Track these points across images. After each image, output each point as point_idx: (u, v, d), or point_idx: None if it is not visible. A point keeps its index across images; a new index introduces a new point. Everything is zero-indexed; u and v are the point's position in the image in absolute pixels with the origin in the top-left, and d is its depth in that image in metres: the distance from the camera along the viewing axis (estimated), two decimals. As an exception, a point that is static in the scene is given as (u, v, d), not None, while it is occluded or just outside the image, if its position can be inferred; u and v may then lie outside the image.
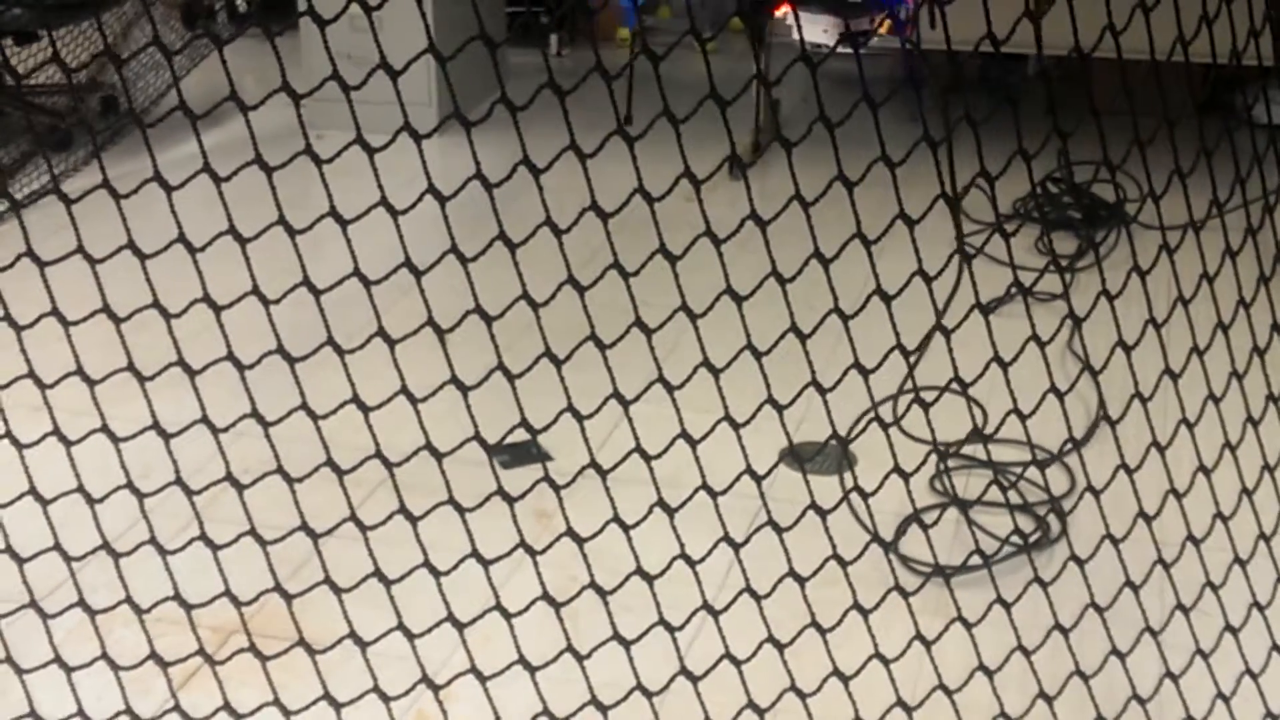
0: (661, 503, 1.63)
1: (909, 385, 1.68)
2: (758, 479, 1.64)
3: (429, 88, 4.67)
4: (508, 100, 1.37)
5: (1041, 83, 3.12)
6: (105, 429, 1.54)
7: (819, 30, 4.59)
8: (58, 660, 1.69)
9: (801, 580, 1.70)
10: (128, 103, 4.37)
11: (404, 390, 1.51)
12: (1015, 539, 2.46)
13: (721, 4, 5.66)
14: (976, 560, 2.26)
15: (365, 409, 1.52)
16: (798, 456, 2.38)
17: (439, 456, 1.54)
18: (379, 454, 1.54)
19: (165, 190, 1.38)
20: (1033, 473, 2.69)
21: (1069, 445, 2.64)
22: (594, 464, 1.59)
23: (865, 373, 1.61)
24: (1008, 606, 1.78)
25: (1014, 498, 2.66)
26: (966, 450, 2.78)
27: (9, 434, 1.56)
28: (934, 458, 2.62)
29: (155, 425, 1.53)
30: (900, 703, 1.81)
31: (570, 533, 1.62)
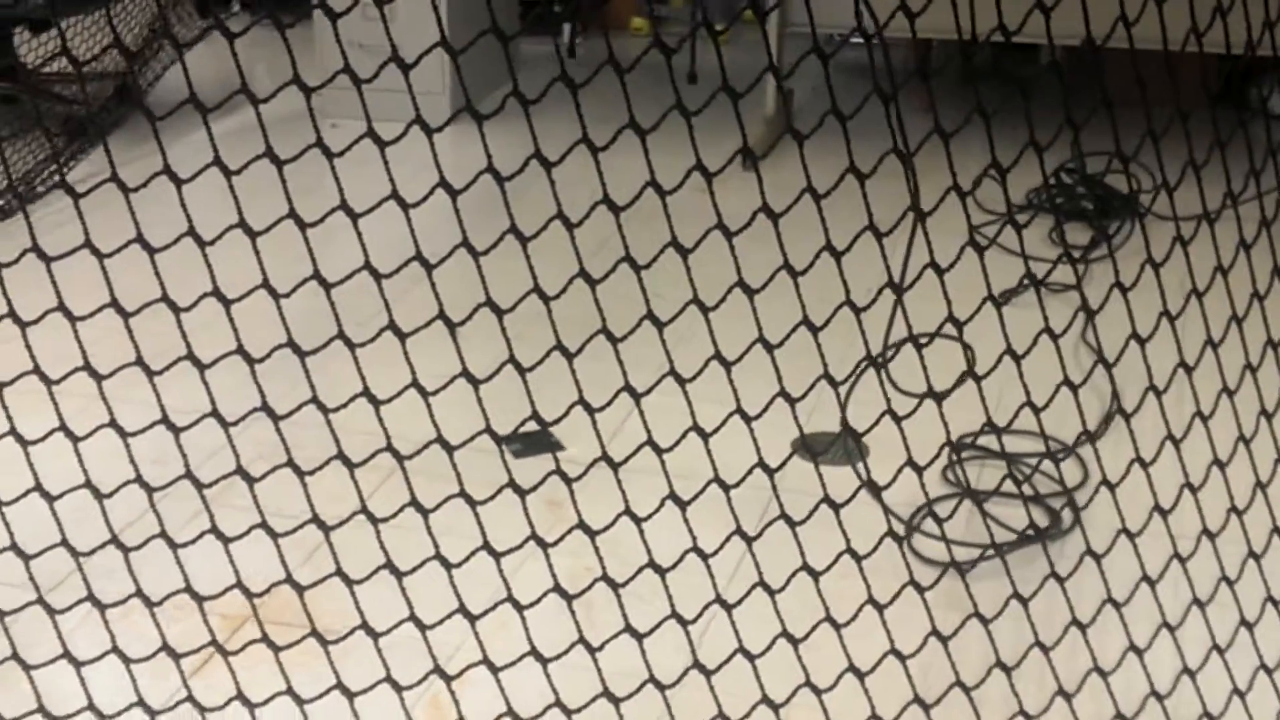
0: (673, 495, 1.63)
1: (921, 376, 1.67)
2: (770, 471, 1.64)
3: (442, 77, 4.67)
4: (520, 94, 1.37)
5: (1054, 73, 3.11)
6: (114, 424, 1.53)
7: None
8: (67, 655, 1.69)
9: (815, 574, 1.69)
10: (138, 96, 4.37)
11: (415, 384, 1.51)
12: (1029, 532, 2.45)
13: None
14: (990, 553, 2.26)
15: (376, 402, 1.52)
16: (810, 448, 2.38)
17: (450, 450, 1.54)
18: (390, 447, 1.54)
19: (175, 184, 1.38)
20: (1046, 464, 2.68)
21: (1083, 437, 2.64)
22: (606, 457, 1.59)
23: (878, 365, 1.61)
24: (1024, 602, 1.78)
25: (1027, 489, 2.65)
26: (980, 441, 2.78)
27: (13, 431, 1.55)
28: (947, 449, 2.61)
29: (165, 420, 1.53)
30: (917, 699, 1.81)
31: (582, 525, 1.62)
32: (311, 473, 1.56)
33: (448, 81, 4.69)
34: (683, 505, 1.62)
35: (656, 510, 1.64)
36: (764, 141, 4.65)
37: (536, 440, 2.74)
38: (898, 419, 1.61)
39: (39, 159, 3.95)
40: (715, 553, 1.68)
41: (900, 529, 2.53)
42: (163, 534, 1.62)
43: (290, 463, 1.55)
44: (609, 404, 1.58)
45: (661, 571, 1.64)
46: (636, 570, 1.66)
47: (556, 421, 1.63)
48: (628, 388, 1.56)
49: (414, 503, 1.55)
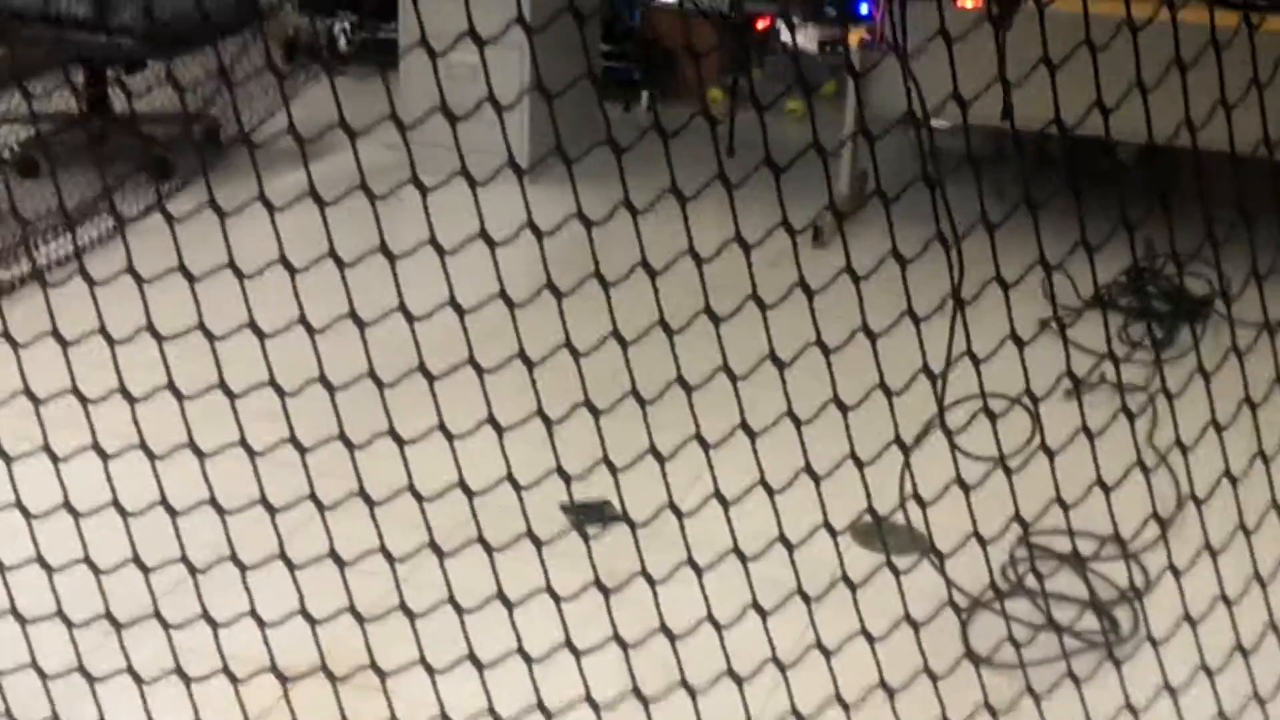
0: (755, 600, 1.64)
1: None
2: (844, 573, 1.66)
3: (522, 137, 4.65)
4: (631, 204, 1.41)
5: (1140, 171, 3.08)
6: (164, 502, 1.62)
7: (803, 37, 4.83)
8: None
9: (893, 694, 1.72)
10: (238, 124, 4.40)
11: (510, 478, 1.55)
12: (1090, 634, 2.41)
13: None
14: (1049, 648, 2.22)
15: (470, 494, 1.56)
16: (870, 536, 2.35)
17: (539, 545, 1.57)
18: (481, 539, 1.57)
19: (238, 276, 1.47)
20: (1108, 568, 2.63)
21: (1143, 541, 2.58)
22: (683, 540, 1.61)
23: (965, 486, 1.62)
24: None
25: (1085, 591, 2.60)
26: (1041, 541, 2.72)
27: (67, 503, 1.64)
28: (1008, 545, 2.59)
29: (212, 500, 1.62)
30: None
31: (664, 628, 1.64)
32: (402, 559, 1.59)
33: (527, 144, 4.68)
34: (763, 614, 1.63)
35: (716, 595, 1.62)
36: (834, 221, 4.63)
37: (595, 511, 2.72)
38: (972, 511, 1.60)
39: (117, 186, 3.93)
40: (792, 666, 1.69)
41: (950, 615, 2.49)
42: (205, 616, 1.70)
43: (381, 547, 1.59)
44: (699, 510, 1.60)
45: (740, 681, 1.65)
46: (716, 676, 1.67)
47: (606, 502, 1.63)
48: (716, 493, 1.59)
49: (500, 595, 1.58)
